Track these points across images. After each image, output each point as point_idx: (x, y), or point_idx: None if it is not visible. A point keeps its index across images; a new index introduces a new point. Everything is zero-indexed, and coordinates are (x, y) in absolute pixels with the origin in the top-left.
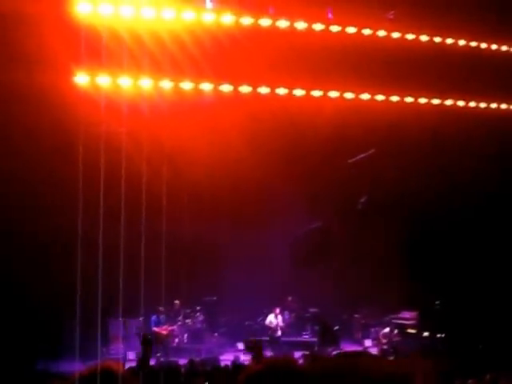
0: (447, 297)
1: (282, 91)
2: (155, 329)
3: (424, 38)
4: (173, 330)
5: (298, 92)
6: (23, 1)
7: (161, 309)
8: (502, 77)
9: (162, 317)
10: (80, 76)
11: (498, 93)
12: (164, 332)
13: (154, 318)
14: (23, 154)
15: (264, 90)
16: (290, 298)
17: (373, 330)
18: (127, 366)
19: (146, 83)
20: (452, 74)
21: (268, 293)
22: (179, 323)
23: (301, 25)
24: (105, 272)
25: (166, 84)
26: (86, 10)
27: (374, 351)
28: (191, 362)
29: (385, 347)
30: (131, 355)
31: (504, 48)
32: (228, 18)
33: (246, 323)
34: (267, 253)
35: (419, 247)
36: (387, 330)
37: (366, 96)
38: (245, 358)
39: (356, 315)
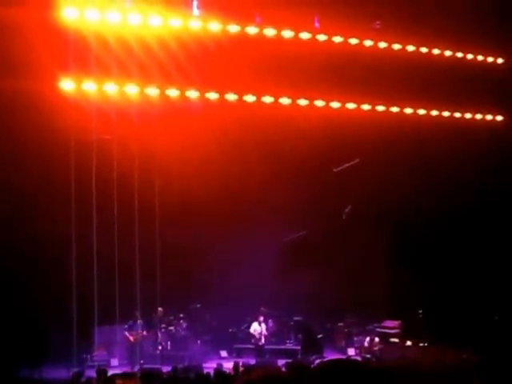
0: (431, 306)
1: (267, 99)
2: (126, 333)
3: (410, 48)
4: (143, 336)
5: (284, 100)
6: (8, 6)
7: (137, 314)
8: (488, 88)
9: (139, 322)
10: (66, 82)
11: (484, 103)
12: (131, 338)
13: (130, 322)
14: (9, 160)
15: (250, 98)
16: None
17: (356, 338)
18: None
19: (132, 90)
20: (438, 84)
21: (252, 301)
22: (163, 330)
23: (287, 33)
24: (91, 280)
25: (153, 91)
26: (73, 16)
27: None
28: (174, 369)
29: (367, 356)
30: (114, 362)
31: (490, 59)
32: (215, 26)
33: (230, 331)
34: (252, 261)
35: (403, 256)
36: (369, 339)
37: (351, 105)
38: (227, 366)
39: (339, 324)
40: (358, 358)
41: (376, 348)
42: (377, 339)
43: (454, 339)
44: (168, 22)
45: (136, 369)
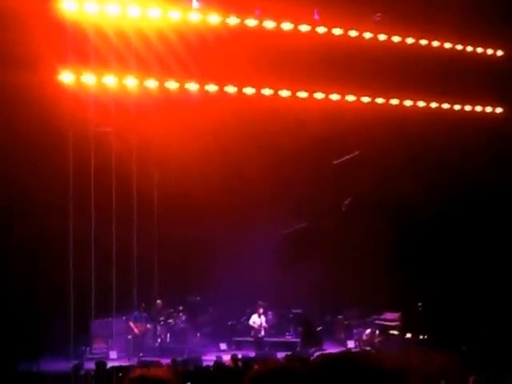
0: (431, 298)
1: (267, 92)
2: (131, 324)
3: (410, 40)
4: (147, 329)
5: (284, 93)
6: None
7: (143, 305)
8: (487, 80)
9: (144, 314)
10: (65, 74)
11: (483, 96)
12: (136, 330)
13: (136, 313)
14: (7, 151)
15: (249, 90)
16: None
17: (355, 330)
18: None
19: (131, 82)
20: (438, 76)
21: (251, 293)
22: (162, 323)
23: (287, 26)
24: (90, 272)
25: (152, 83)
26: (72, 8)
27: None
28: (174, 361)
29: (367, 348)
30: (113, 355)
31: (490, 51)
32: (214, 18)
33: (229, 323)
34: (252, 253)
35: (403, 249)
36: (368, 331)
37: (351, 98)
38: (227, 359)
39: (339, 316)
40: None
41: (376, 340)
42: (377, 332)
43: (453, 332)
44: (167, 15)
45: (135, 361)
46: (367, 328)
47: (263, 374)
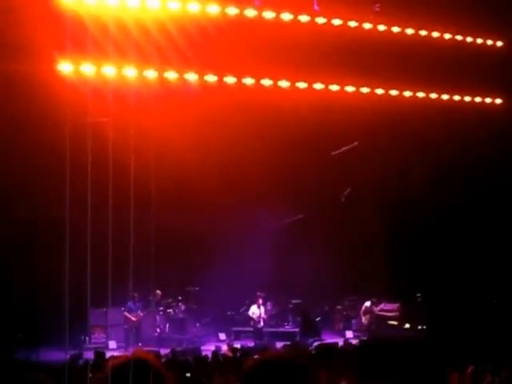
0: (429, 289)
1: (266, 82)
2: (126, 314)
3: (409, 30)
4: (141, 317)
5: (283, 83)
6: None
7: (135, 295)
8: (486, 71)
9: (138, 304)
10: (64, 64)
11: (483, 86)
12: (133, 319)
13: (130, 304)
14: (5, 142)
15: (249, 80)
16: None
17: (354, 321)
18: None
19: (130, 72)
20: (437, 67)
21: (251, 284)
22: (161, 313)
23: (286, 16)
24: (88, 262)
25: (151, 73)
26: None
27: (355, 342)
28: (173, 351)
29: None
30: (112, 344)
31: (489, 42)
32: (213, 8)
33: (229, 313)
34: (250, 244)
35: (401, 239)
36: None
37: (350, 88)
38: (226, 349)
39: (338, 306)
40: (356, 341)
41: (373, 327)
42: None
43: (451, 323)
44: (166, 5)
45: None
46: (366, 314)
47: (262, 363)
